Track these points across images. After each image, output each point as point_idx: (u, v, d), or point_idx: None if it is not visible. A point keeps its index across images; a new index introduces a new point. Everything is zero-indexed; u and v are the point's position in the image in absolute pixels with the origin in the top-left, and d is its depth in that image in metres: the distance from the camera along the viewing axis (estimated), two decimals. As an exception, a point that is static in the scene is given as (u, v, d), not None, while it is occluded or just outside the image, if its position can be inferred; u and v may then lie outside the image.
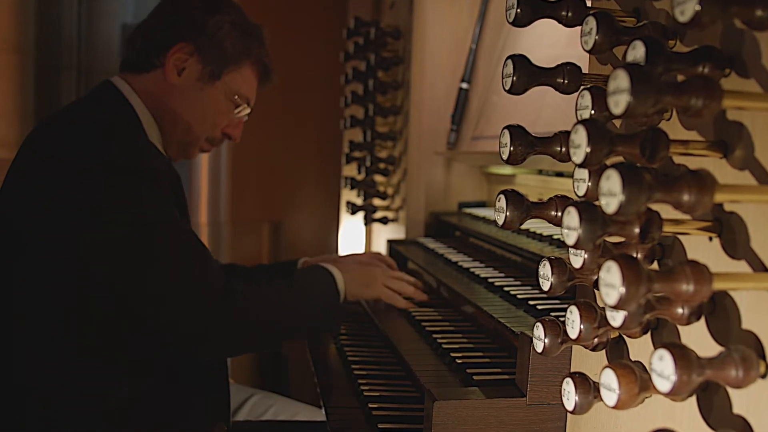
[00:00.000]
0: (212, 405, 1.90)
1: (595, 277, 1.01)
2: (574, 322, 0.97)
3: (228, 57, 1.97)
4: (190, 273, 1.70)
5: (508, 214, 1.02)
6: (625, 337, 1.03)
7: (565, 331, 1.00)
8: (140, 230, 1.68)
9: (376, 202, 2.98)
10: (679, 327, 0.93)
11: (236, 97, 2.00)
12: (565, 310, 0.99)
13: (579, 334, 0.97)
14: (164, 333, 1.72)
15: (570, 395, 0.96)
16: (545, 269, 1.03)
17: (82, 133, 1.74)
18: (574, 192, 0.98)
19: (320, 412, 2.26)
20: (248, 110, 2.06)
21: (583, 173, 0.96)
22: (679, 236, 0.94)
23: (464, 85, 2.45)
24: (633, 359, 1.02)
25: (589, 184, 0.95)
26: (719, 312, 0.86)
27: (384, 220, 2.89)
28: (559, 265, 1.02)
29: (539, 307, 1.48)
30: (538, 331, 1.03)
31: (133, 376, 1.78)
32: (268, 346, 2.10)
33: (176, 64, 1.94)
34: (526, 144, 1.01)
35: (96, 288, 1.71)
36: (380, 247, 2.98)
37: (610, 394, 0.85)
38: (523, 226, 1.84)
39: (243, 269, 2.35)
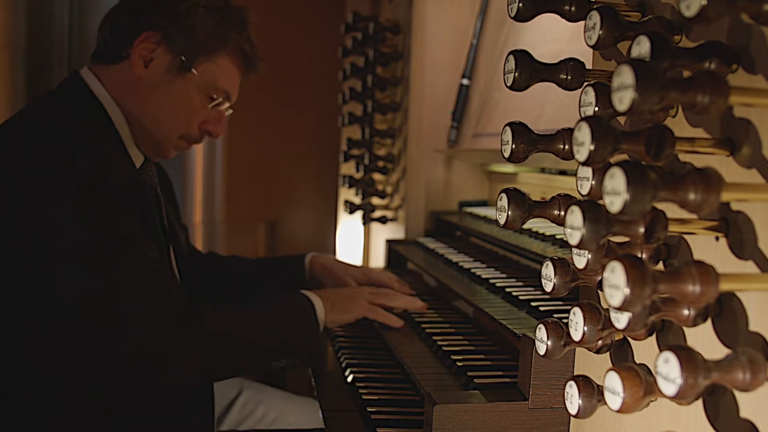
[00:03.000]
0: (195, 416, 1.84)
1: (599, 278, 1.01)
2: (577, 323, 0.96)
3: (200, 46, 1.82)
4: (147, 295, 1.61)
5: (509, 213, 1.01)
6: (629, 339, 1.03)
7: (568, 333, 1.00)
8: (92, 249, 1.59)
9: (375, 201, 2.97)
10: (685, 329, 0.92)
11: (212, 89, 1.86)
12: (568, 311, 0.99)
13: (582, 337, 0.96)
14: (124, 355, 1.64)
15: (573, 399, 0.95)
16: (548, 270, 1.02)
17: (39, 141, 1.64)
18: (578, 191, 0.97)
19: (312, 403, 2.24)
20: (228, 104, 1.91)
21: (587, 171, 0.95)
22: (685, 236, 0.93)
23: (465, 81, 2.44)
24: (638, 362, 1.02)
25: (593, 182, 0.94)
26: (726, 313, 0.86)
27: (383, 220, 2.88)
28: (562, 266, 1.01)
29: (542, 308, 1.48)
30: (541, 333, 1.03)
31: (109, 386, 1.73)
32: (236, 374, 1.91)
33: (143, 54, 1.80)
34: (528, 141, 1.01)
35: (57, 303, 1.64)
36: (379, 247, 2.97)
37: (614, 398, 0.84)
38: (526, 226, 1.82)
39: (242, 263, 2.33)
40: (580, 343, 0.97)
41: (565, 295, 1.03)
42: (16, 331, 1.70)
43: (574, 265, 1.00)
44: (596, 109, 0.93)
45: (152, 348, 1.62)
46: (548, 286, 1.03)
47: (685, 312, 0.86)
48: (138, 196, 1.73)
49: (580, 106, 0.95)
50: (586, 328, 0.95)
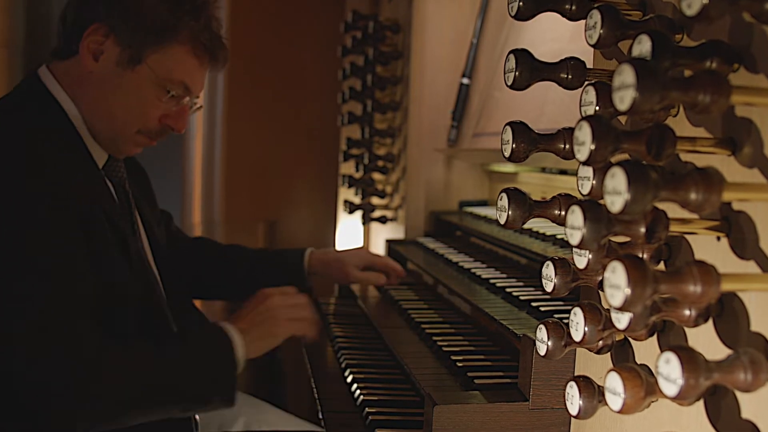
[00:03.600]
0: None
1: (600, 278, 1.00)
2: (578, 324, 0.96)
3: (149, 36, 1.71)
4: (48, 330, 1.53)
5: (510, 213, 1.01)
6: (630, 339, 1.02)
7: (568, 334, 1.00)
8: (14, 269, 1.52)
9: (375, 200, 2.96)
10: (686, 329, 0.92)
11: (166, 82, 1.74)
12: (568, 312, 0.98)
13: (583, 337, 0.96)
14: (15, 385, 1.54)
15: (574, 399, 0.95)
16: (548, 270, 1.02)
17: None
18: (579, 190, 0.96)
19: (317, 429, 2.21)
20: (187, 97, 1.80)
21: (588, 171, 0.95)
22: (686, 236, 0.93)
23: (465, 81, 2.43)
24: (639, 362, 1.01)
25: (594, 182, 0.94)
26: (727, 314, 0.86)
27: (383, 220, 2.87)
28: (563, 266, 1.01)
29: (542, 308, 1.47)
30: (541, 333, 1.02)
31: None
32: (140, 422, 1.71)
33: (91, 48, 1.71)
34: (528, 141, 1.00)
35: None
36: (379, 247, 2.97)
37: (615, 399, 0.84)
38: (526, 226, 1.81)
39: (241, 252, 2.29)
40: (580, 343, 0.97)
41: (565, 295, 1.03)
42: None
43: (574, 265, 0.99)
44: (597, 108, 0.93)
45: (39, 386, 1.53)
46: (549, 287, 1.02)
47: (686, 312, 0.86)
48: (98, 198, 1.67)
49: (580, 106, 0.95)
50: (586, 329, 0.95)
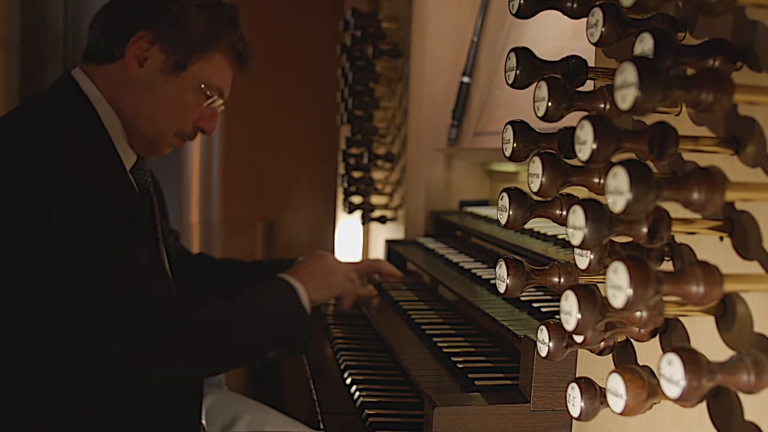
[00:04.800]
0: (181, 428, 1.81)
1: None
2: (579, 325, 0.94)
3: (193, 45, 1.82)
4: (134, 299, 1.62)
5: (510, 213, 1.00)
6: (632, 340, 1.01)
7: (570, 335, 0.98)
8: (79, 255, 1.59)
9: (374, 200, 2.95)
10: (689, 330, 0.91)
11: (205, 88, 1.86)
12: (570, 312, 0.96)
13: (585, 338, 0.94)
14: (117, 361, 1.64)
15: (575, 401, 0.94)
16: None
17: (29, 146, 1.64)
18: (579, 190, 0.95)
19: None
20: (221, 101, 1.91)
21: (589, 171, 0.93)
22: (689, 236, 0.92)
23: (465, 79, 2.43)
24: (641, 364, 1.00)
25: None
26: (730, 315, 0.85)
27: (382, 219, 2.86)
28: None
29: (543, 309, 1.46)
30: (543, 334, 1.01)
31: (96, 394, 1.71)
32: (226, 371, 1.99)
33: (137, 54, 1.80)
34: (529, 140, 1.00)
35: (46, 312, 1.63)
36: (378, 247, 2.96)
37: (617, 400, 0.83)
38: (527, 226, 1.81)
39: (235, 265, 2.33)
40: (582, 344, 0.96)
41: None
42: (7, 336, 1.68)
43: (576, 265, 0.98)
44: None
45: (142, 350, 1.62)
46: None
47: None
48: (127, 198, 1.72)
49: (582, 104, 0.94)
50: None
